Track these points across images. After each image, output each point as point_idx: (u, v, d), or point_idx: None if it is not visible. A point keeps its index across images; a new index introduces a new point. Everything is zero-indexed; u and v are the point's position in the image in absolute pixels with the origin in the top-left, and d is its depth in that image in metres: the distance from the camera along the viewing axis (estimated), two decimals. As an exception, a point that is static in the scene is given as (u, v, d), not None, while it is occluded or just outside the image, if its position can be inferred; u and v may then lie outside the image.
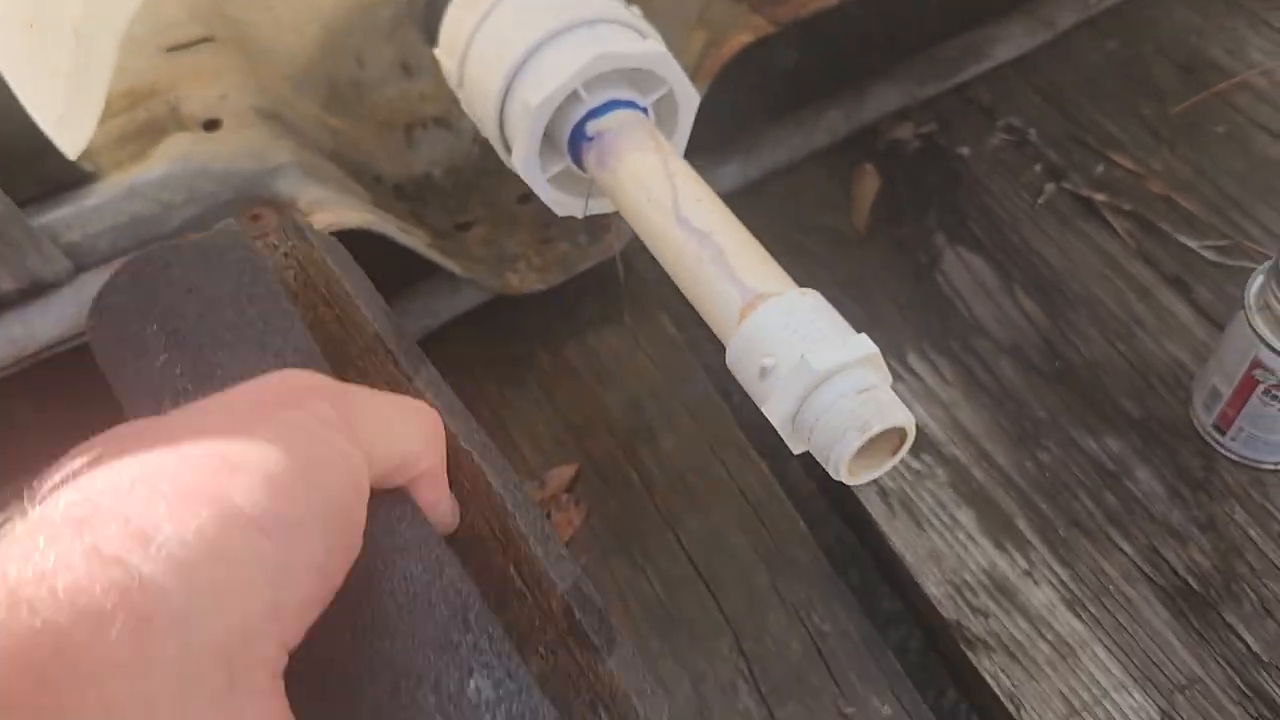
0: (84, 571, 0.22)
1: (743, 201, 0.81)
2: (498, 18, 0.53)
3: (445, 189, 0.77)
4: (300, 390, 0.32)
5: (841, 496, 0.67)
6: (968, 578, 0.62)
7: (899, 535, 0.63)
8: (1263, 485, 0.63)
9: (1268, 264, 0.58)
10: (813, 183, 0.80)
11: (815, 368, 0.40)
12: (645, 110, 0.53)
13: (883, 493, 0.65)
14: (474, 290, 0.74)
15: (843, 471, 0.40)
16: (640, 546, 0.65)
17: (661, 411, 0.70)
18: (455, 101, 0.79)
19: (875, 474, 0.41)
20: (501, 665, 0.30)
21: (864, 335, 0.41)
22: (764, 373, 0.41)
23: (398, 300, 0.73)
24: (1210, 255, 0.73)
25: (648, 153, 0.50)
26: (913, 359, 0.70)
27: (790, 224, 0.78)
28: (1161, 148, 0.79)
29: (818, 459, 0.41)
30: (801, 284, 0.76)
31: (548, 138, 0.53)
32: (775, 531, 0.65)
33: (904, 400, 0.70)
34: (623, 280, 0.74)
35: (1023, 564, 0.62)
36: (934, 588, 0.61)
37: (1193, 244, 0.73)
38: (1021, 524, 0.63)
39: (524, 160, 0.52)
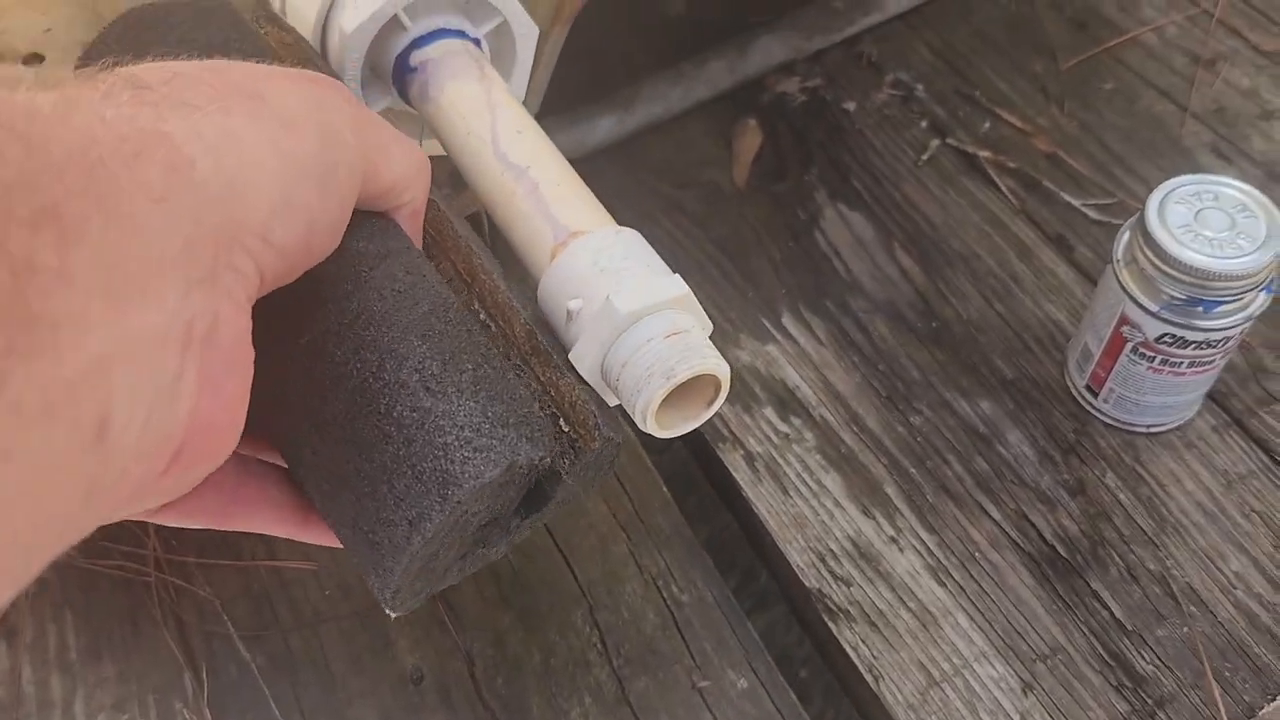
0: (137, 114, 0.24)
1: (619, 155, 0.78)
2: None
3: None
4: (326, 85, 0.32)
5: (707, 459, 0.64)
6: (832, 545, 0.59)
7: (763, 501, 0.61)
8: (1134, 449, 0.61)
9: (1133, 218, 0.56)
10: (693, 137, 0.77)
11: (620, 309, 0.36)
12: (477, 41, 0.49)
13: (749, 457, 0.62)
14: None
15: (650, 422, 0.37)
16: (493, 513, 0.61)
17: (524, 373, 0.66)
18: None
19: (690, 426, 0.38)
20: (478, 352, 0.33)
21: (676, 276, 0.38)
22: (570, 316, 0.38)
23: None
24: (1093, 214, 0.71)
25: (470, 82, 0.46)
26: (787, 319, 0.68)
27: (668, 179, 0.75)
28: (1050, 105, 0.77)
29: (626, 409, 0.38)
30: (677, 242, 0.73)
31: (372, 69, 0.49)
32: (637, 498, 0.62)
33: (775, 362, 0.68)
34: (488, 235, 0.71)
35: (889, 530, 0.59)
36: (797, 555, 0.59)
37: (1076, 202, 0.71)
38: (890, 490, 0.61)
39: (345, 94, 0.48)
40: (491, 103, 0.45)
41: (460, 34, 0.49)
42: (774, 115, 0.78)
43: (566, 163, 0.44)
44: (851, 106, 0.78)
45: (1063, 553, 0.58)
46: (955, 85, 0.79)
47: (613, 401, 0.39)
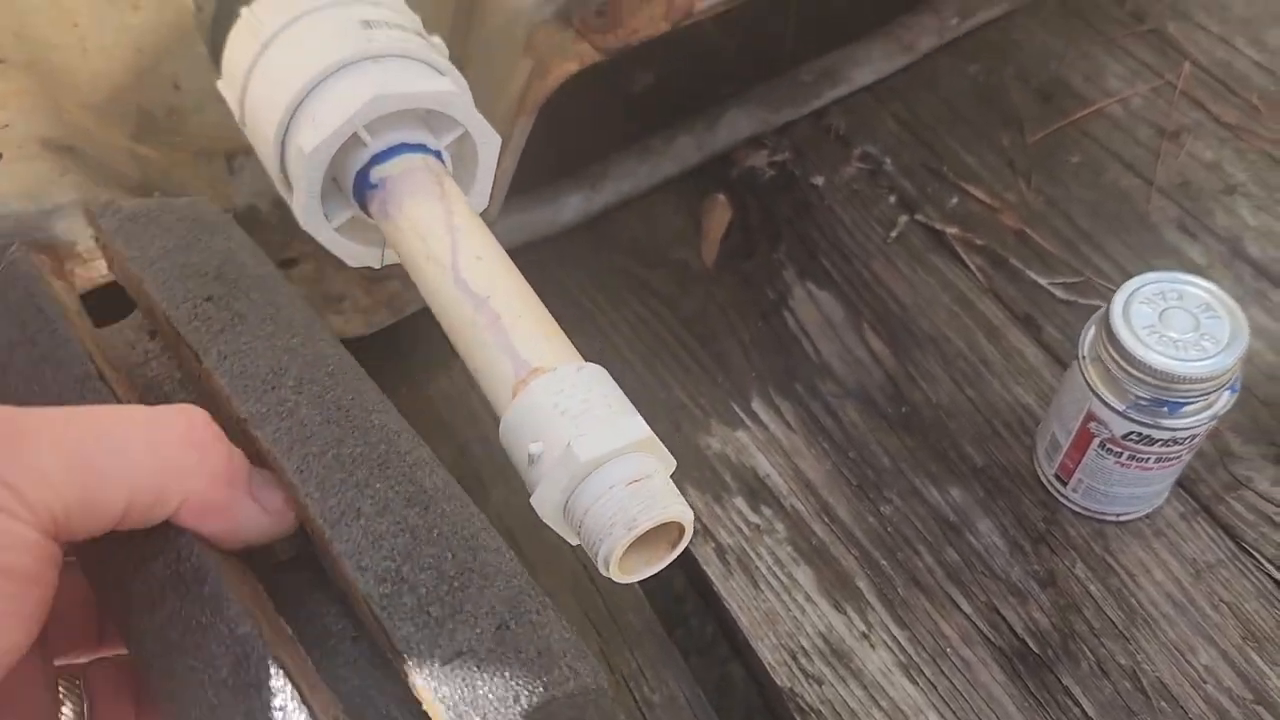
0: None
1: (588, 234, 0.78)
2: (278, 48, 0.49)
3: (270, 223, 0.72)
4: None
5: (680, 556, 0.63)
6: (804, 641, 0.59)
7: (735, 596, 0.60)
8: (1104, 537, 0.61)
9: (1098, 313, 0.56)
10: (661, 214, 0.77)
11: (580, 457, 0.36)
12: (439, 154, 0.49)
13: (720, 550, 0.62)
14: (294, 332, 0.69)
15: (613, 569, 0.36)
16: (461, 611, 0.60)
17: (492, 460, 0.66)
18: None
19: (653, 569, 0.38)
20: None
21: (638, 417, 0.38)
22: (531, 460, 0.38)
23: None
24: (1060, 293, 0.71)
25: (431, 201, 0.45)
26: (757, 404, 0.67)
27: (637, 259, 0.75)
28: (1017, 179, 0.77)
29: (588, 552, 0.37)
30: (644, 322, 0.73)
31: (334, 182, 0.48)
32: (609, 595, 0.61)
33: (745, 449, 0.68)
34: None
35: (860, 626, 0.59)
36: (769, 653, 0.58)
37: (1043, 281, 0.71)
38: (861, 583, 0.60)
39: (304, 208, 0.48)
40: (451, 226, 0.45)
41: (421, 148, 0.48)
42: (743, 190, 0.78)
43: (529, 290, 0.43)
44: (820, 181, 0.78)
45: (1034, 647, 0.58)
46: (923, 158, 0.79)
47: (573, 541, 0.39)
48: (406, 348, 0.71)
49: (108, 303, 0.41)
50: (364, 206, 0.49)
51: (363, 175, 0.48)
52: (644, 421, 0.38)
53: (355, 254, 0.51)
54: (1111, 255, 0.73)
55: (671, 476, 0.37)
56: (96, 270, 0.55)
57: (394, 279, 0.69)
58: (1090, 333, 0.57)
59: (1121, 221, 0.74)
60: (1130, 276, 0.56)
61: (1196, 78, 0.82)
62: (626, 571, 0.37)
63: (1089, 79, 0.83)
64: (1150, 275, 0.55)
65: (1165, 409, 0.53)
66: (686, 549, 0.62)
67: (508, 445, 0.39)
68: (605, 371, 0.40)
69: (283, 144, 0.48)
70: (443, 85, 0.48)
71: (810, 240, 0.75)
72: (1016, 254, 0.73)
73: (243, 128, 0.52)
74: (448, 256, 0.44)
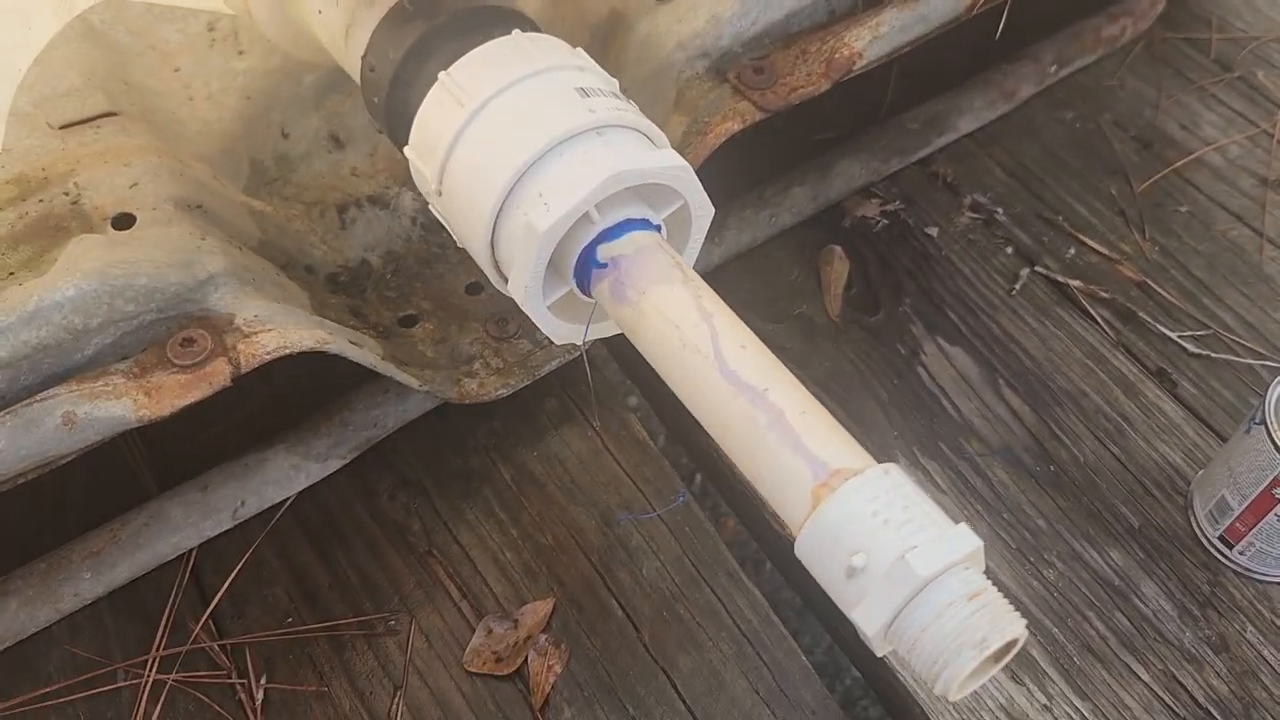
0: None
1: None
2: (489, 117, 0.46)
3: (384, 278, 0.69)
4: None
5: (841, 625, 0.61)
6: (985, 715, 0.57)
7: (910, 671, 0.59)
8: (1269, 600, 0.61)
9: (1292, 382, 0.56)
10: (779, 266, 0.75)
11: (920, 573, 0.34)
12: (659, 228, 0.47)
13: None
14: (424, 398, 0.66)
15: (953, 693, 0.34)
16: (629, 692, 0.58)
17: (640, 530, 0.64)
18: (392, 177, 0.71)
19: (979, 682, 0.36)
20: None
21: (964, 525, 0.36)
22: (852, 572, 0.36)
23: (337, 410, 0.64)
24: (1190, 346, 0.71)
25: (674, 285, 0.43)
26: (903, 465, 0.66)
27: (760, 313, 0.73)
28: (1130, 230, 0.77)
29: (918, 672, 0.35)
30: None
31: (549, 261, 0.46)
32: (775, 667, 0.59)
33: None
34: (590, 380, 0.68)
35: (1041, 698, 0.58)
36: (951, 727, 0.57)
37: (1171, 334, 0.71)
38: (1035, 651, 0.59)
39: (525, 289, 0.45)
40: (705, 311, 0.43)
41: (645, 223, 0.46)
42: (858, 241, 0.77)
43: (799, 382, 0.41)
44: (934, 231, 0.77)
45: (1218, 716, 0.57)
46: (1034, 208, 0.78)
47: (884, 651, 0.37)
48: (533, 410, 0.68)
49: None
50: (583, 286, 0.46)
51: (588, 253, 0.45)
52: (970, 530, 0.36)
53: (563, 331, 0.49)
54: (1232, 307, 0.73)
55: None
56: (259, 346, 0.51)
57: (522, 338, 0.66)
58: (1276, 394, 0.56)
59: (1238, 274, 0.75)
60: (1253, 329, 0.55)
61: (1292, 127, 0.82)
62: (962, 690, 0.35)
63: (1185, 127, 0.83)
64: (1341, 343, 0.55)
65: (1367, 479, 0.53)
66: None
67: (811, 556, 0.37)
68: (902, 470, 0.38)
69: (495, 219, 0.46)
70: (673, 159, 0.46)
71: (934, 294, 0.74)
72: (1142, 306, 0.73)
73: (433, 198, 0.49)
74: (708, 345, 0.41)
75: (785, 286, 0.74)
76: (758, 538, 0.68)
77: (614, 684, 0.58)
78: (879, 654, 0.37)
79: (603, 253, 0.45)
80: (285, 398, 0.63)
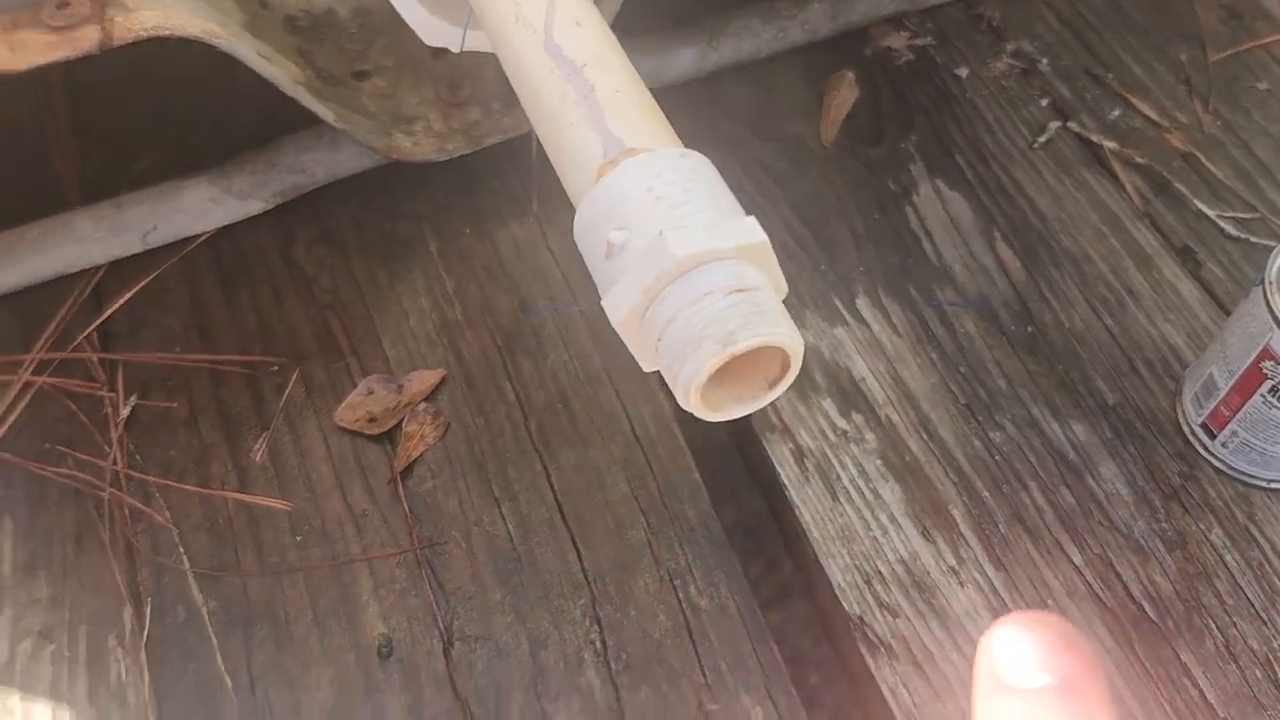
0: None
1: (698, 95, 0.70)
2: None
3: (349, 30, 0.65)
4: None
5: (750, 445, 0.56)
6: (882, 566, 0.51)
7: (809, 505, 0.53)
8: (1249, 504, 0.52)
9: (1304, 231, 0.47)
10: (782, 84, 0.68)
11: (675, 251, 0.28)
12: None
13: (799, 452, 0.54)
14: (359, 152, 0.62)
15: (693, 396, 0.29)
16: (501, 476, 0.54)
17: (555, 319, 0.59)
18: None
19: (743, 409, 0.30)
20: None
21: (752, 219, 0.30)
22: (610, 249, 0.30)
23: (266, 150, 0.61)
24: (1229, 227, 0.61)
25: (532, -38, 0.38)
26: (862, 301, 0.59)
27: (749, 128, 0.67)
28: (1192, 99, 0.67)
29: (665, 377, 0.30)
30: (751, 199, 0.65)
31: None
32: (664, 480, 0.54)
33: (842, 347, 0.60)
34: (535, 162, 0.63)
35: (950, 559, 0.51)
36: (839, 573, 0.51)
37: (1210, 212, 0.62)
38: (956, 511, 0.52)
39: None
40: (552, -15, 0.37)
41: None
42: (874, 71, 0.69)
43: (631, 67, 0.35)
44: (964, 73, 0.69)
45: (1151, 614, 0.49)
46: (1084, 63, 0.69)
47: (648, 367, 0.31)
48: (478, 187, 0.64)
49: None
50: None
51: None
52: (758, 224, 0.30)
53: (436, 30, 0.44)
54: (1293, 196, 0.63)
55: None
56: (137, 21, 0.48)
57: (474, 105, 0.62)
58: (1282, 257, 0.47)
59: (1310, 161, 0.64)
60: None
61: None
62: (710, 405, 0.30)
63: (1288, 3, 0.72)
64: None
65: (1368, 351, 0.44)
66: (759, 443, 0.55)
67: (581, 237, 0.32)
68: (711, 164, 0.32)
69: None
70: None
71: (946, 135, 0.66)
72: (1182, 179, 0.63)
73: None
74: (540, 19, 0.36)
75: (784, 105, 0.68)
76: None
77: (486, 464, 0.54)
78: (644, 368, 0.31)
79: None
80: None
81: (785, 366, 0.30)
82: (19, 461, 0.53)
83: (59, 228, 0.59)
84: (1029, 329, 0.58)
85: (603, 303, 0.30)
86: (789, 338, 0.28)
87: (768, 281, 0.30)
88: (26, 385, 0.55)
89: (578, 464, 0.54)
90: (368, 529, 0.52)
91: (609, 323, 0.30)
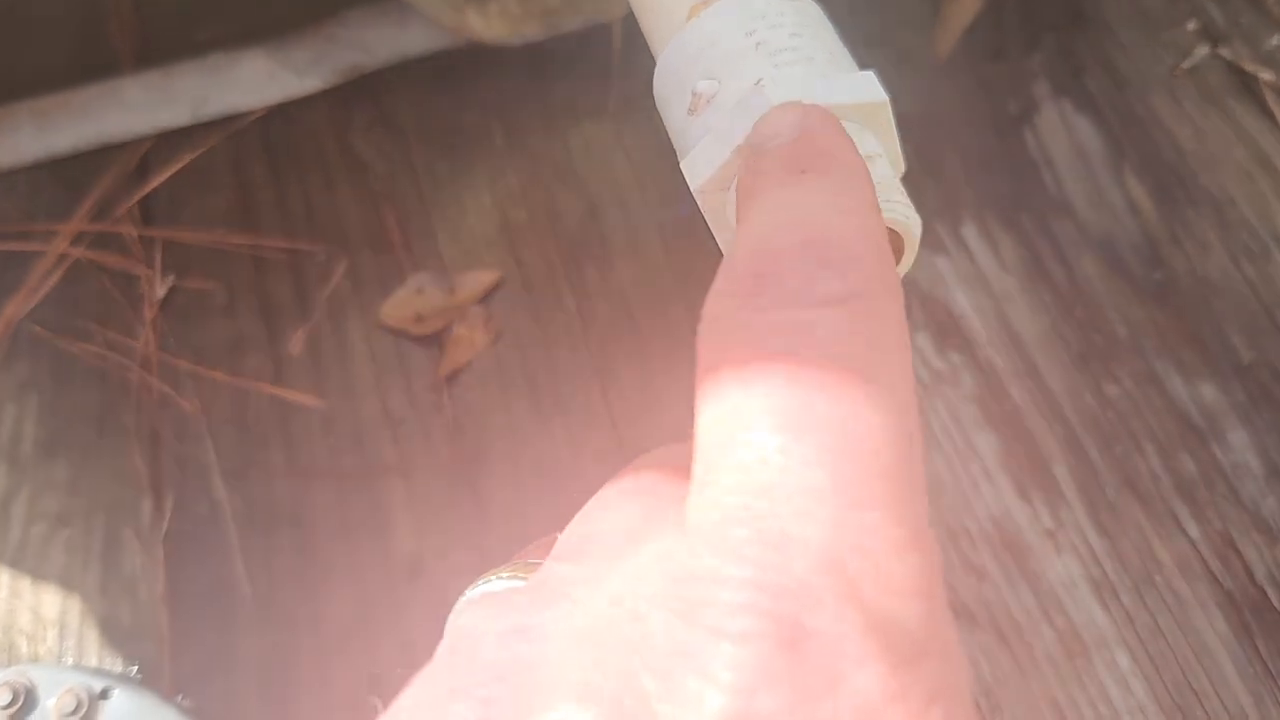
0: None
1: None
2: None
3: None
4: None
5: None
6: (970, 524, 0.45)
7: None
8: (1402, 488, 0.46)
9: None
10: (895, -12, 0.62)
11: (776, 103, 0.23)
12: None
13: (884, 389, 0.49)
14: (427, 31, 0.57)
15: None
16: (553, 392, 0.49)
17: (627, 228, 0.54)
18: None
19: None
20: None
21: (870, 73, 0.24)
22: (696, 102, 0.25)
23: (327, 25, 0.57)
24: (1399, 177, 0.54)
25: None
26: (968, 230, 0.53)
27: (855, 32, 0.60)
28: (1364, 31, 0.59)
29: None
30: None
31: None
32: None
33: (941, 279, 0.54)
34: (617, 55, 0.57)
35: (1047, 521, 0.45)
36: (920, 525, 0.45)
37: (1378, 159, 0.54)
38: (1059, 470, 0.46)
39: None
40: None
41: None
42: (1002, -19, 0.62)
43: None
44: (1102, -12, 0.62)
45: (1275, 601, 0.43)
46: (1242, -14, 0.61)
47: (725, 239, 0.26)
48: (552, 79, 0.59)
49: None
50: None
51: None
52: (877, 81, 0.24)
53: None
54: None
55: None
56: None
57: (556, -8, 0.56)
58: None
59: None
60: None
61: None
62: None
63: None
64: None
65: None
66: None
67: (663, 87, 0.27)
68: (823, 13, 0.27)
69: None
70: None
71: (1076, 55, 0.59)
72: (1347, 119, 0.56)
73: None
74: None
75: (894, 12, 0.61)
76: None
77: (538, 378, 0.49)
78: (726, 251, 0.26)
79: None
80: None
81: (899, 252, 0.24)
82: (48, 335, 0.50)
83: (108, 93, 0.55)
84: (1157, 275, 0.51)
85: (681, 164, 0.25)
86: (907, 217, 0.23)
87: (884, 151, 0.24)
88: (62, 257, 0.52)
89: (641, 386, 0.49)
90: (404, 437, 0.48)
91: (689, 190, 0.25)
